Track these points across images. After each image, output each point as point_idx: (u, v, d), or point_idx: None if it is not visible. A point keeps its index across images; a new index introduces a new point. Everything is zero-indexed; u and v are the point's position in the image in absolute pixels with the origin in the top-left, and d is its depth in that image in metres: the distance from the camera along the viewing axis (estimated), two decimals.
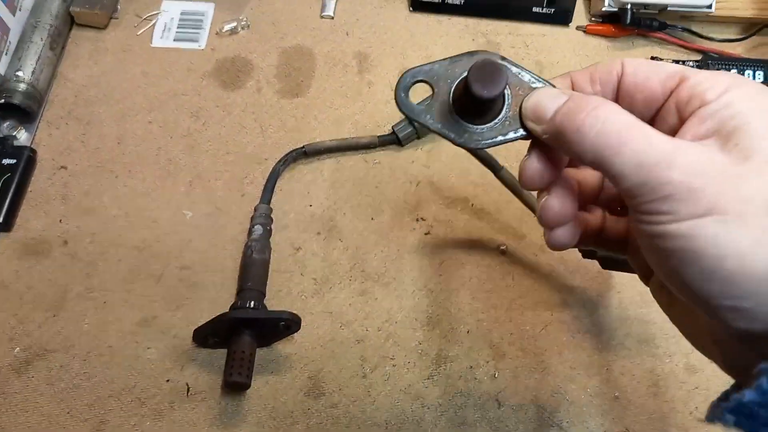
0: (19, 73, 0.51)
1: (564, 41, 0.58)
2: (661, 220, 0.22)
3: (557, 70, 0.57)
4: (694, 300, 0.22)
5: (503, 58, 0.27)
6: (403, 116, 0.52)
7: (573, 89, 0.27)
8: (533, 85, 0.27)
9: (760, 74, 0.55)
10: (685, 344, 0.44)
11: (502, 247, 0.48)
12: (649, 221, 0.22)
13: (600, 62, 0.26)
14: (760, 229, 0.20)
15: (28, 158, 0.49)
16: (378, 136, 0.52)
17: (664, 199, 0.21)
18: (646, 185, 0.22)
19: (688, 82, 0.24)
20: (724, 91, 0.23)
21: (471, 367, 0.43)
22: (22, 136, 0.51)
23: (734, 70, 0.55)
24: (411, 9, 0.59)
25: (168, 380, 0.42)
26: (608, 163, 0.22)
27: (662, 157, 0.21)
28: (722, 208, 0.20)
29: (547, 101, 0.25)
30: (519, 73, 0.27)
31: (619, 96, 0.26)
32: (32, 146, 0.50)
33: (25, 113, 0.51)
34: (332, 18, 0.59)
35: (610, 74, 0.26)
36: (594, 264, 0.47)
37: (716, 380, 0.44)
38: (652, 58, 0.57)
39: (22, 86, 0.50)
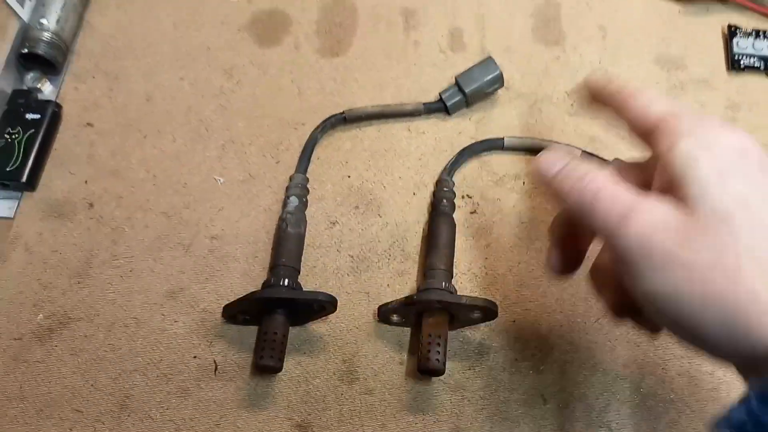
0: (43, 21, 0.48)
1: (631, 4, 0.53)
2: (624, 278, 0.25)
3: (622, 36, 0.52)
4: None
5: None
6: (452, 82, 0.48)
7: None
8: None
9: None
10: None
11: None
12: (621, 275, 0.26)
13: None
14: (702, 284, 0.23)
15: (53, 113, 0.46)
16: (424, 104, 0.48)
17: (621, 260, 0.25)
18: (610, 244, 0.25)
19: (655, 134, 0.26)
20: (673, 144, 0.25)
21: (516, 359, 0.40)
22: (47, 90, 0.48)
23: None
24: None
25: (195, 356, 0.40)
26: (589, 223, 0.26)
27: (621, 215, 0.24)
28: (671, 267, 0.23)
29: (548, 164, 0.28)
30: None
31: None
32: (57, 101, 0.48)
33: (50, 65, 0.48)
34: None
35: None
36: None
37: None
38: (729, 27, 0.51)
39: (47, 35, 0.47)
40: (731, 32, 0.51)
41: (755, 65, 0.50)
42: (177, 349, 0.40)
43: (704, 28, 0.52)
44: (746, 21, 0.52)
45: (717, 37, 0.52)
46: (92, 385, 0.39)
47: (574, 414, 0.39)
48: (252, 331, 0.41)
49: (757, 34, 0.51)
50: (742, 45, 0.51)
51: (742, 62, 0.50)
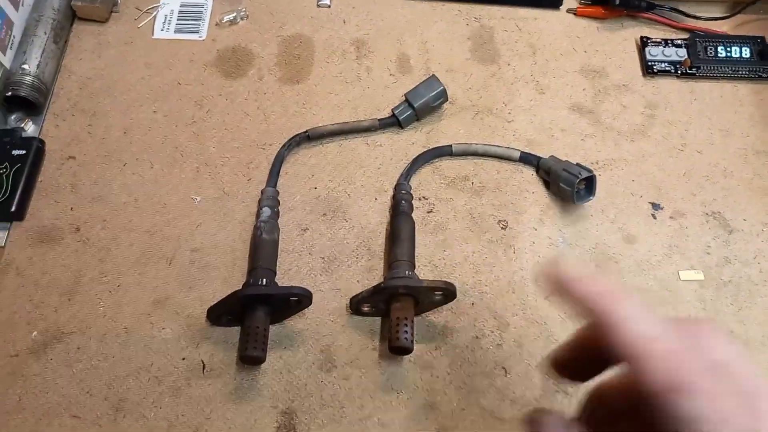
0: (25, 66, 0.52)
1: (555, 24, 0.60)
2: None
3: (549, 51, 0.58)
4: None
5: None
6: (403, 100, 0.53)
7: None
8: None
9: (746, 50, 0.57)
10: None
11: (502, 222, 0.49)
12: None
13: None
14: None
15: (37, 149, 0.50)
16: (379, 120, 0.53)
17: None
18: None
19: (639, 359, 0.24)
20: (672, 391, 0.22)
21: (477, 337, 0.45)
22: (30, 128, 0.52)
23: (721, 48, 0.57)
24: None
25: (184, 358, 0.43)
26: None
27: None
28: None
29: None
30: None
31: None
32: (40, 137, 0.51)
33: (32, 105, 0.52)
34: (329, 6, 0.60)
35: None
36: (592, 237, 0.49)
37: None
38: (642, 38, 0.58)
39: (28, 79, 0.51)
40: (644, 42, 0.58)
41: (666, 69, 0.57)
42: (166, 353, 0.43)
43: (620, 41, 0.59)
44: (656, 32, 0.60)
45: (632, 47, 0.59)
46: (88, 392, 0.42)
47: (533, 382, 0.44)
48: (235, 332, 0.44)
49: (665, 42, 0.58)
50: (654, 53, 0.58)
51: (655, 67, 0.57)
